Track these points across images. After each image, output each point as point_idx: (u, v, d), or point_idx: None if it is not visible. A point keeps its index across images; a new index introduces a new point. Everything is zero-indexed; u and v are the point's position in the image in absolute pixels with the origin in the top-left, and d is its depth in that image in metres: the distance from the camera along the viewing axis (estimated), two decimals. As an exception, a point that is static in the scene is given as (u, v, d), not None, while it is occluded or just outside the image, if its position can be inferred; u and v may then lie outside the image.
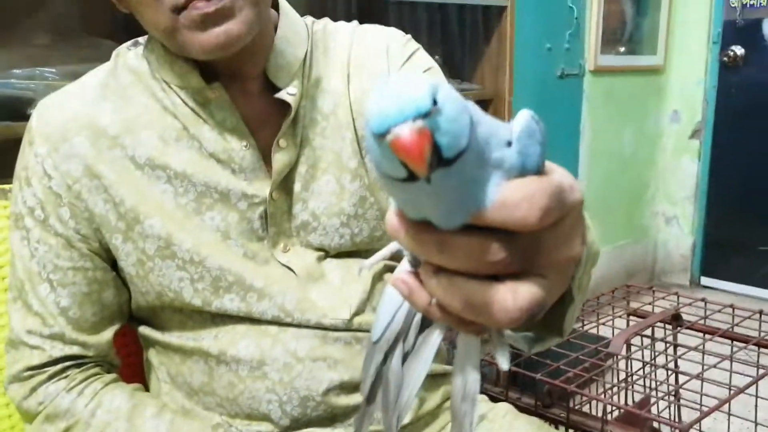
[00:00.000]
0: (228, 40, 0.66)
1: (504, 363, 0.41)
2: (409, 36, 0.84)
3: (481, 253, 0.33)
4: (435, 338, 0.45)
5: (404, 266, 0.40)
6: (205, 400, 0.77)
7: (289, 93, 0.74)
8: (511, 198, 0.33)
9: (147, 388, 0.84)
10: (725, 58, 2.81)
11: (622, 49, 2.80)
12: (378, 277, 0.80)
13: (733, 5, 2.75)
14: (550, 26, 2.52)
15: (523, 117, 0.36)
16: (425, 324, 0.45)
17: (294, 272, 0.76)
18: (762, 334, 1.43)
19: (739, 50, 2.76)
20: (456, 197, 0.32)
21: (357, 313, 0.77)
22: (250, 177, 0.75)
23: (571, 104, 2.71)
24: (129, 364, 0.89)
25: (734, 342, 1.43)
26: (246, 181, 0.75)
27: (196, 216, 0.74)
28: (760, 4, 2.68)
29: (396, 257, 0.44)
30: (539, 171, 0.35)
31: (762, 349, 1.39)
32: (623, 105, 2.89)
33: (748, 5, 2.71)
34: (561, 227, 0.35)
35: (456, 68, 1.99)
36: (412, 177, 0.31)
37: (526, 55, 2.41)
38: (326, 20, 0.85)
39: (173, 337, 0.78)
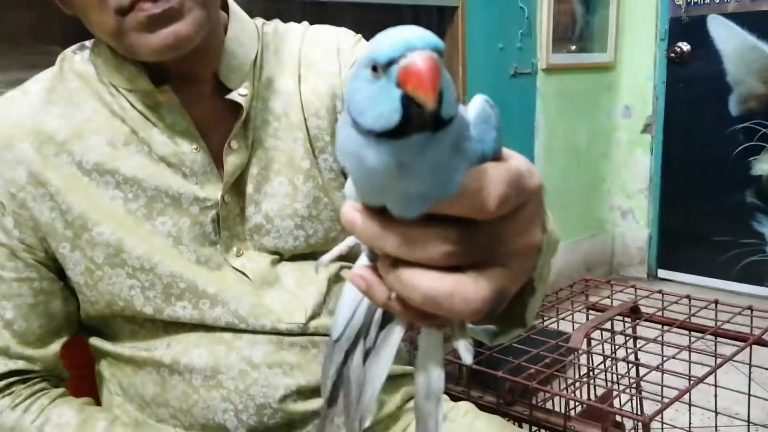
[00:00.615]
0: (176, 42, 0.65)
1: (467, 357, 0.40)
2: (359, 36, 0.83)
3: (440, 243, 0.33)
4: (396, 335, 0.44)
5: (362, 261, 0.39)
6: (158, 411, 0.75)
7: (240, 94, 0.73)
8: (469, 186, 0.32)
9: (98, 401, 0.81)
10: (672, 54, 2.87)
11: (573, 48, 2.84)
12: (334, 280, 0.79)
13: (678, 3, 2.82)
14: (502, 26, 2.55)
15: (478, 101, 0.36)
16: (386, 320, 0.44)
17: (248, 277, 0.75)
18: (718, 323, 1.46)
19: (685, 46, 2.83)
20: (427, 176, 0.31)
21: (313, 317, 0.75)
22: (201, 180, 0.73)
23: (525, 102, 2.73)
24: (80, 376, 0.86)
25: (692, 332, 1.46)
26: (197, 184, 0.73)
27: (147, 221, 0.72)
28: (704, 1, 2.75)
29: (353, 255, 0.42)
30: (496, 157, 0.35)
31: (719, 339, 1.42)
32: (576, 102, 2.94)
33: (692, 3, 2.78)
34: (520, 214, 0.35)
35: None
36: (403, 127, 0.30)
37: (479, 55, 2.43)
38: (276, 21, 0.83)
39: (125, 348, 0.76)
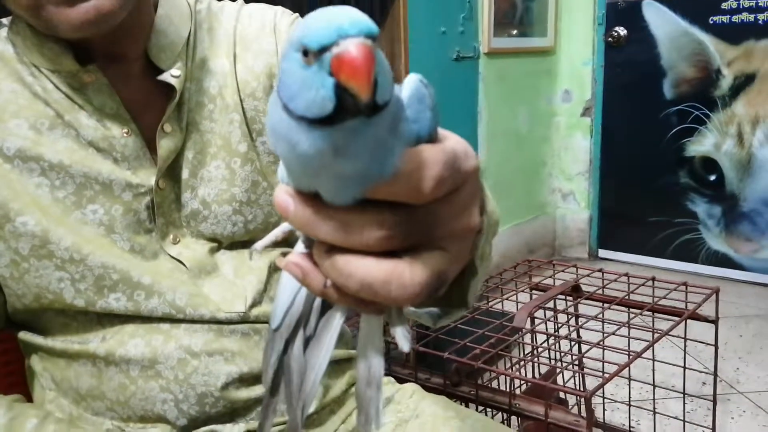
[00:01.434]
0: (98, 16, 0.61)
1: (404, 345, 0.39)
2: (296, 14, 0.81)
3: (375, 228, 0.32)
4: (336, 321, 0.43)
5: (298, 248, 0.37)
6: (94, 405, 0.72)
7: (172, 75, 0.70)
8: (404, 169, 0.31)
9: (30, 398, 0.78)
10: (610, 39, 2.93)
11: (514, 32, 2.87)
12: (274, 267, 0.77)
13: (614, -12, 2.88)
14: (444, 10, 2.55)
15: (412, 81, 0.34)
16: (326, 307, 0.43)
17: (185, 265, 0.72)
18: (655, 299, 1.51)
19: (622, 31, 2.89)
20: (362, 160, 0.30)
21: (254, 305, 0.74)
22: (134, 165, 0.71)
23: (468, 86, 2.75)
24: (9, 372, 0.82)
25: (630, 309, 1.50)
26: (130, 170, 0.70)
27: (76, 210, 0.69)
28: (640, -14, 2.82)
29: (293, 240, 0.41)
30: (432, 138, 0.34)
31: (656, 314, 1.47)
32: (517, 86, 2.97)
33: (628, -12, 2.85)
34: (457, 196, 0.34)
35: (352, 53, 1.98)
36: (336, 115, 0.28)
37: (421, 39, 2.43)
38: None
39: (57, 341, 0.73)
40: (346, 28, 0.28)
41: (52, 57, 0.68)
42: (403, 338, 0.39)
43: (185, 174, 0.73)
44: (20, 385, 0.79)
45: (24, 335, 0.76)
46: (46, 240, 0.68)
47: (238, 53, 0.76)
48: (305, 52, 0.29)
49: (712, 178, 2.75)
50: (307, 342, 0.43)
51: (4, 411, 0.69)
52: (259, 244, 0.45)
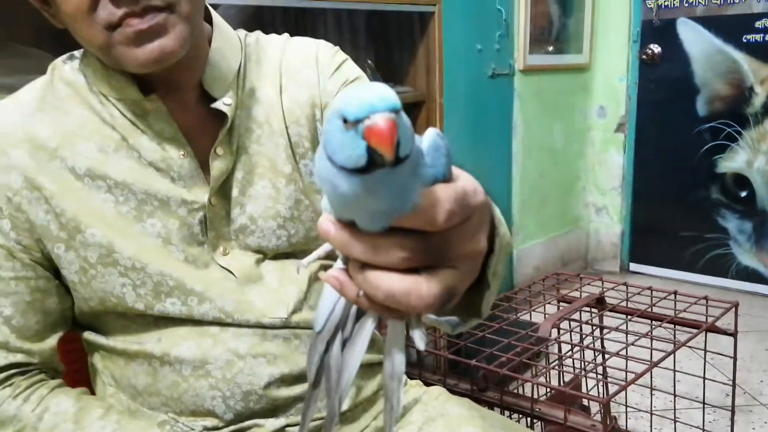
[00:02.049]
0: (162, 56, 0.69)
1: (420, 344, 0.47)
2: (337, 48, 0.88)
3: (399, 250, 0.39)
4: (369, 326, 0.51)
5: (337, 264, 0.45)
6: (150, 400, 0.80)
7: (225, 103, 0.77)
8: (422, 205, 0.38)
9: (92, 392, 0.86)
10: (644, 56, 2.96)
11: (550, 49, 2.91)
12: (314, 278, 0.84)
13: (649, 6, 2.90)
14: (480, 28, 2.60)
15: (430, 135, 0.42)
16: (360, 314, 0.51)
17: (233, 275, 0.79)
18: (676, 312, 1.53)
19: (656, 48, 2.91)
20: (388, 199, 0.38)
21: (294, 312, 0.80)
22: (188, 184, 0.78)
23: (503, 103, 2.80)
24: (74, 369, 0.90)
25: (652, 321, 1.53)
26: (185, 188, 0.77)
27: (138, 223, 0.76)
28: (674, 5, 2.84)
29: (332, 256, 0.49)
30: (447, 179, 0.41)
31: (677, 327, 1.50)
32: (552, 102, 3.01)
33: (663, 6, 2.86)
34: (467, 226, 0.41)
35: (390, 71, 2.05)
36: (368, 167, 0.36)
37: (457, 57, 2.48)
38: (258, 33, 0.88)
39: (117, 341, 0.80)
40: (375, 104, 0.36)
41: (119, 87, 0.75)
42: (419, 339, 0.47)
43: (235, 192, 0.80)
44: (84, 382, 0.87)
45: (88, 335, 0.84)
46: (111, 249, 0.76)
47: (283, 84, 0.83)
48: (345, 120, 0.37)
49: (744, 194, 2.75)
50: (344, 343, 0.51)
51: (74, 401, 0.78)
52: (305, 261, 0.52)
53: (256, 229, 0.81)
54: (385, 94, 0.37)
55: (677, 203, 2.94)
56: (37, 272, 0.78)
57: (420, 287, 0.39)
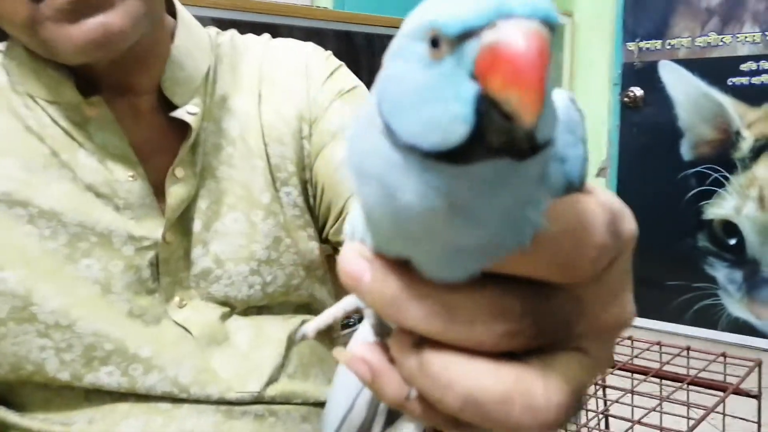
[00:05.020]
0: (106, 36, 0.53)
1: None
2: (329, 52, 0.73)
3: (494, 318, 0.22)
4: None
5: (364, 333, 0.27)
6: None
7: (188, 112, 0.62)
8: (551, 233, 0.21)
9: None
10: (626, 99, 2.89)
11: (528, 89, 2.83)
12: (294, 337, 0.67)
13: (630, 48, 2.85)
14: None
15: (561, 101, 0.25)
16: (394, 415, 0.32)
17: (192, 334, 0.62)
18: (690, 370, 1.41)
19: (638, 91, 2.85)
20: (490, 225, 0.20)
21: (270, 383, 0.63)
22: (138, 215, 0.61)
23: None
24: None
25: (663, 381, 1.40)
26: (133, 219, 0.61)
27: (69, 265, 0.59)
28: (655, 47, 2.79)
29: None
30: (581, 186, 0.24)
31: (664, 381, 1.37)
32: (532, 144, 2.91)
33: (644, 48, 2.81)
34: (610, 274, 0.24)
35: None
36: (467, 150, 0.19)
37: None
38: (233, 32, 0.73)
39: (35, 420, 0.61)
40: (511, 2, 0.18)
41: (51, 86, 0.59)
42: None
43: (197, 226, 0.63)
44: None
45: (-2, 410, 0.65)
46: (29, 301, 0.58)
47: (263, 93, 0.68)
48: (434, 41, 0.19)
49: (733, 242, 2.67)
50: None
51: None
52: (311, 327, 0.34)
53: (223, 274, 0.64)
54: None
55: (663, 251, 2.84)
56: None
57: (532, 389, 0.22)
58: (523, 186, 0.20)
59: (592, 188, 0.25)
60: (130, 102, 0.62)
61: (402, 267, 0.23)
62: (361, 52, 1.95)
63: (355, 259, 0.24)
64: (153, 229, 0.61)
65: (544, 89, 0.17)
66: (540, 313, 0.22)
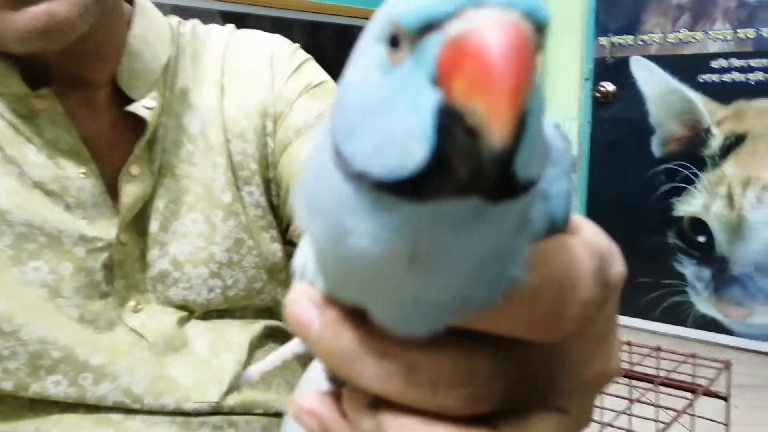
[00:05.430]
0: (51, 24, 0.49)
1: None
2: (297, 45, 0.70)
3: (460, 380, 0.19)
4: None
5: (312, 380, 0.24)
6: None
7: (145, 106, 0.59)
8: (530, 286, 0.18)
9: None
10: (597, 94, 2.89)
11: (502, 83, 2.81)
12: (257, 343, 0.64)
13: (602, 43, 2.84)
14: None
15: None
16: None
17: (147, 340, 0.59)
18: (659, 371, 1.41)
19: (609, 87, 2.85)
20: (460, 277, 0.17)
21: (229, 392, 0.60)
22: (90, 214, 0.58)
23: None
24: None
25: (632, 381, 1.40)
26: (85, 219, 0.58)
27: (14, 267, 0.55)
28: (627, 43, 2.79)
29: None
30: (565, 225, 0.21)
31: (633, 382, 1.37)
32: (504, 139, 2.90)
33: (616, 44, 2.81)
34: (597, 324, 0.22)
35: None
36: (427, 179, 0.15)
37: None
38: (195, 22, 0.70)
39: (-23, 433, 0.58)
40: None
41: None
42: None
43: (154, 227, 0.60)
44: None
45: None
46: None
47: (226, 86, 0.65)
48: (394, 40, 0.16)
49: (702, 239, 2.68)
50: None
51: None
52: (255, 371, 0.31)
53: (181, 277, 0.60)
54: None
55: (632, 247, 2.85)
56: None
57: None
58: (499, 233, 0.17)
59: (577, 224, 0.23)
60: (83, 95, 0.59)
61: (357, 317, 0.20)
62: (331, 45, 1.91)
63: (304, 303, 0.21)
64: (106, 229, 0.58)
65: (524, 100, 0.14)
66: (514, 376, 0.20)
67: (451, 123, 0.15)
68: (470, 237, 0.16)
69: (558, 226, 0.20)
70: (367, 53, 0.17)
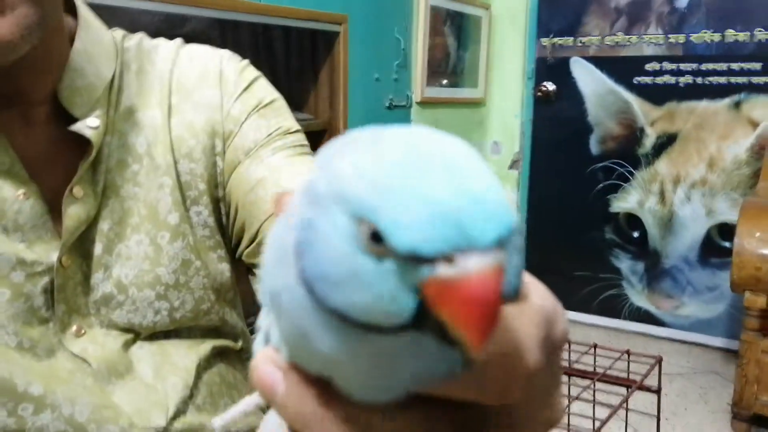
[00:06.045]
0: None
1: None
2: (246, 61, 0.69)
3: None
4: None
5: (271, 425, 0.25)
6: None
7: (89, 126, 0.57)
8: (482, 361, 0.20)
9: None
10: (539, 93, 2.95)
11: (446, 82, 2.83)
12: (205, 364, 0.63)
13: (544, 44, 2.90)
14: (379, 56, 2.48)
15: None
16: None
17: (90, 365, 0.57)
18: (596, 367, 1.45)
19: (551, 86, 2.91)
20: (420, 365, 0.19)
21: (177, 416, 0.59)
22: (29, 238, 0.56)
23: (399, 134, 2.67)
24: None
25: (571, 377, 1.44)
26: (23, 242, 0.56)
27: None
28: (567, 44, 2.85)
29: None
30: (516, 296, 0.23)
31: (571, 378, 1.41)
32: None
33: (557, 45, 2.87)
34: (542, 379, 0.23)
35: (289, 97, 1.86)
36: (408, 327, 0.18)
37: (357, 85, 2.34)
38: (141, 35, 0.67)
39: None
40: (474, 229, 0.17)
41: None
42: None
43: (98, 249, 0.59)
44: None
45: None
46: None
47: (174, 104, 0.63)
48: (375, 236, 0.17)
49: (636, 234, 2.78)
50: None
51: None
52: (217, 425, 0.31)
53: (126, 300, 0.59)
54: (493, 201, 0.18)
55: (571, 242, 2.93)
56: None
57: None
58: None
59: (527, 288, 0.24)
60: (21, 112, 0.57)
61: (320, 382, 0.21)
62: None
63: (269, 368, 0.22)
64: (47, 252, 0.56)
65: (494, 325, 0.17)
66: (468, 428, 0.21)
67: (430, 319, 0.18)
68: (431, 351, 0.18)
69: (510, 299, 0.22)
70: (336, 219, 0.18)
